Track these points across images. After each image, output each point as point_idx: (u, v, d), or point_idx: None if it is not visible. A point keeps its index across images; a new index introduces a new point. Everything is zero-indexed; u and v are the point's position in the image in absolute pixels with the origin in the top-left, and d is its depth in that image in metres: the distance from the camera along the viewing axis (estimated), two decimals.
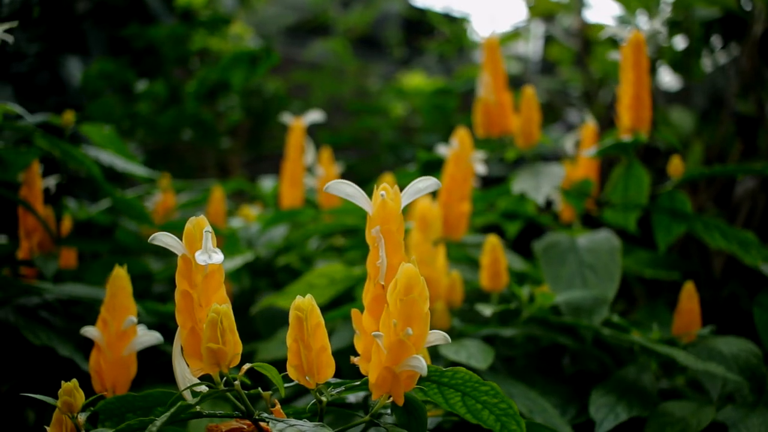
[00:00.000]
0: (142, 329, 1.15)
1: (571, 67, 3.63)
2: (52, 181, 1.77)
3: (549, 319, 1.37)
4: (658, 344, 1.31)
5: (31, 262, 1.66)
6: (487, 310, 1.28)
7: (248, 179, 2.67)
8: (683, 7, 2.90)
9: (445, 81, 3.17)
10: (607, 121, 3.10)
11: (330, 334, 1.53)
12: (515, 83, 3.73)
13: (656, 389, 1.32)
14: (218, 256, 0.83)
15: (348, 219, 1.75)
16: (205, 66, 2.69)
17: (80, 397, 0.95)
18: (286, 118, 1.91)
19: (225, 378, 0.86)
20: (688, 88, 3.17)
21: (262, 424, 0.87)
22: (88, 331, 1.12)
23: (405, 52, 4.21)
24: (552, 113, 3.49)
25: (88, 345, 1.53)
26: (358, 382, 0.86)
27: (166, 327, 1.57)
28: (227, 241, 1.82)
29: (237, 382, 0.83)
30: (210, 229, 0.84)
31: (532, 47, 4.44)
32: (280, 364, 0.90)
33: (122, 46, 2.89)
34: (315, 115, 1.88)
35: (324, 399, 0.83)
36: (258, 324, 1.63)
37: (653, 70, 3.31)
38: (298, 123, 1.89)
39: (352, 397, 1.06)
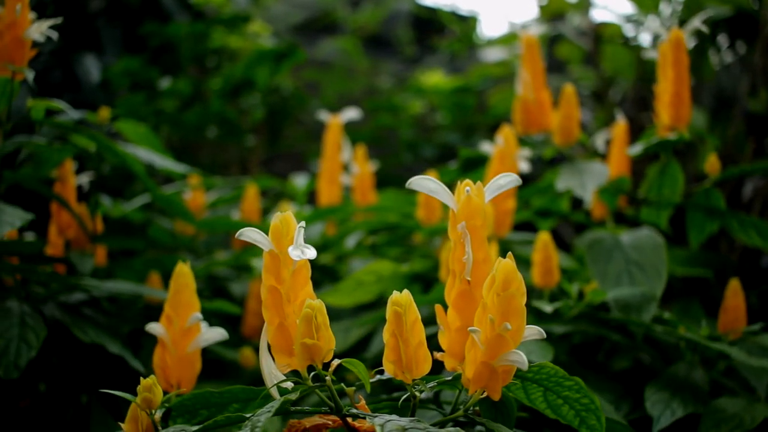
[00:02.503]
0: (204, 326, 1.14)
1: (580, 66, 3.64)
2: (85, 179, 1.76)
3: (599, 315, 1.37)
4: (709, 341, 1.32)
5: (59, 259, 1.65)
6: (547, 307, 1.28)
7: (267, 177, 2.66)
8: (695, 6, 2.92)
9: (462, 79, 3.17)
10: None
11: (371, 335, 1.54)
12: None
13: (708, 386, 1.32)
14: (311, 252, 0.83)
15: (390, 216, 1.75)
16: (228, 63, 2.68)
17: (159, 394, 0.94)
18: (323, 115, 1.91)
19: (312, 373, 0.86)
20: (694, 87, 3.19)
21: (348, 419, 0.87)
22: (154, 327, 1.11)
23: (415, 50, 4.21)
24: None
25: (131, 342, 1.54)
26: (450, 378, 0.86)
27: (209, 324, 1.57)
28: None
29: (328, 378, 0.83)
30: (303, 224, 0.84)
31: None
32: None
33: (137, 43, 2.88)
34: (352, 113, 1.88)
35: (418, 394, 0.84)
36: None
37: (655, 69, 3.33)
38: (336, 121, 1.89)
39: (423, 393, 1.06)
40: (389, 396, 1.07)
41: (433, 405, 1.03)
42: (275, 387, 0.88)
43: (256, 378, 1.60)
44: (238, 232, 0.87)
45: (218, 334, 1.12)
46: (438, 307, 0.90)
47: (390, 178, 2.69)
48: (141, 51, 2.74)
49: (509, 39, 3.71)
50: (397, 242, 1.84)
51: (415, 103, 3.11)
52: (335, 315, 1.61)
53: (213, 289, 1.87)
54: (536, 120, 1.72)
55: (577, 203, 1.98)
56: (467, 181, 0.91)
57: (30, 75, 1.41)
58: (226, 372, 1.63)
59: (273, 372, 0.88)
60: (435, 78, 3.07)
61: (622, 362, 1.60)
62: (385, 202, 1.85)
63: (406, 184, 0.91)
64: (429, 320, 1.03)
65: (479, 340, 0.80)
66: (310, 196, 2.23)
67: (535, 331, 0.81)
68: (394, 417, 0.81)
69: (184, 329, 1.12)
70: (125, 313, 1.68)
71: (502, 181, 0.92)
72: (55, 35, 1.44)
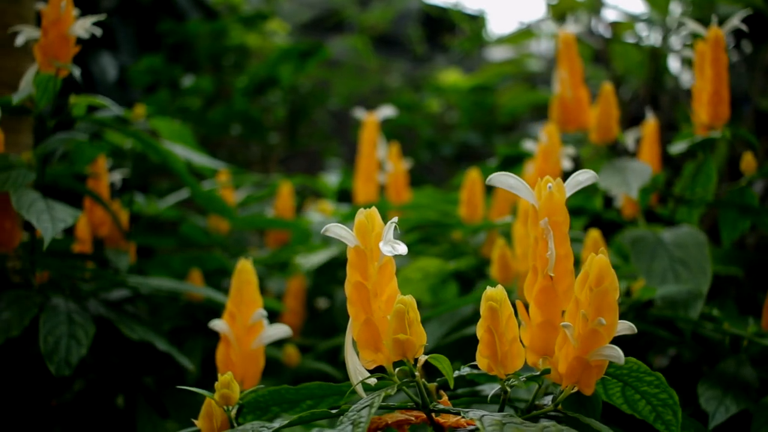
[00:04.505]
0: (266, 323, 1.14)
1: (590, 64, 3.65)
2: (117, 176, 1.76)
3: (647, 312, 1.38)
4: (758, 338, 1.33)
5: (89, 256, 1.64)
6: None
7: (300, 175, 2.66)
8: (706, 5, 2.93)
9: (478, 78, 3.18)
10: (626, 118, 3.13)
11: None
12: (534, 81, 3.76)
13: (757, 382, 1.33)
14: (401, 247, 0.83)
15: (429, 213, 1.75)
16: (246, 61, 2.68)
17: (237, 390, 0.94)
18: (359, 113, 1.91)
19: (398, 369, 0.86)
20: None
21: (432, 414, 0.87)
22: (217, 324, 1.11)
23: (425, 49, 4.22)
24: None
25: (173, 339, 1.53)
26: (537, 373, 0.86)
27: None
28: (296, 236, 1.81)
29: (418, 374, 0.83)
30: (395, 220, 0.84)
31: (545, 45, 4.46)
32: None
33: (151, 42, 2.87)
34: (388, 111, 1.88)
35: (509, 389, 0.84)
36: (338, 318, 1.64)
37: (665, 68, 3.35)
38: (372, 118, 1.89)
39: (488, 389, 1.06)
40: (454, 392, 1.07)
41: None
42: (360, 383, 0.88)
43: (297, 376, 1.60)
44: (323, 228, 0.87)
45: (282, 331, 1.12)
46: (519, 303, 0.90)
47: (411, 175, 2.70)
48: (155, 49, 2.73)
49: (520, 37, 3.72)
50: (430, 240, 1.83)
51: (432, 102, 3.12)
52: None
53: None
54: (574, 117, 1.73)
55: (608, 202, 1.99)
56: (548, 177, 0.91)
57: (76, 71, 1.41)
58: (266, 369, 1.62)
59: (358, 368, 0.88)
60: (452, 77, 3.07)
61: (659, 359, 1.60)
62: (420, 200, 1.86)
63: (486, 181, 0.91)
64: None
65: (572, 336, 0.80)
66: (340, 195, 2.23)
67: (626, 326, 0.82)
68: (486, 412, 0.81)
69: (247, 326, 1.11)
70: (162, 311, 1.68)
71: (581, 178, 0.92)
72: (99, 32, 1.44)
